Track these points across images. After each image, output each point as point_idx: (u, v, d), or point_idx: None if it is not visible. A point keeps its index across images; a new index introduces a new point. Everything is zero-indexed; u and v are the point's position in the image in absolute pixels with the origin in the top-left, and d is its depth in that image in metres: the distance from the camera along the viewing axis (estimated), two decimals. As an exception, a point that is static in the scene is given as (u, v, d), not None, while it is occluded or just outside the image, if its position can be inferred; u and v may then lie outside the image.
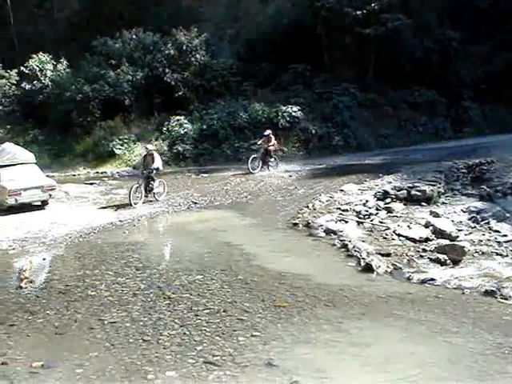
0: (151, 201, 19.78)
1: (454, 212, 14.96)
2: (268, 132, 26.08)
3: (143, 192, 19.23)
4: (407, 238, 13.04)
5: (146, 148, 20.66)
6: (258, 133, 30.92)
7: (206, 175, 26.53)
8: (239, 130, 31.65)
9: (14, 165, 19.64)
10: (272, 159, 26.07)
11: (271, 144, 25.76)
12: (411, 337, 8.05)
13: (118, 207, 19.13)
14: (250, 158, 25.49)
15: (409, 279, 10.55)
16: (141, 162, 20.34)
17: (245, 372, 7.12)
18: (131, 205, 18.59)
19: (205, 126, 31.95)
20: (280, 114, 31.61)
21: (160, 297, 10.06)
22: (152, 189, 19.72)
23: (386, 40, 33.75)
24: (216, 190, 21.91)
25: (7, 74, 37.46)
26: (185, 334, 8.33)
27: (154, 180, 19.82)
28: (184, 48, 34.99)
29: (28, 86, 36.39)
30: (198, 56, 35.16)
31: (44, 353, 7.95)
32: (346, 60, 35.86)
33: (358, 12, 33.33)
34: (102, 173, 29.65)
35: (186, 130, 31.85)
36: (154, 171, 19.62)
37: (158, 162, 19.61)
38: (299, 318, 8.83)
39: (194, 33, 35.39)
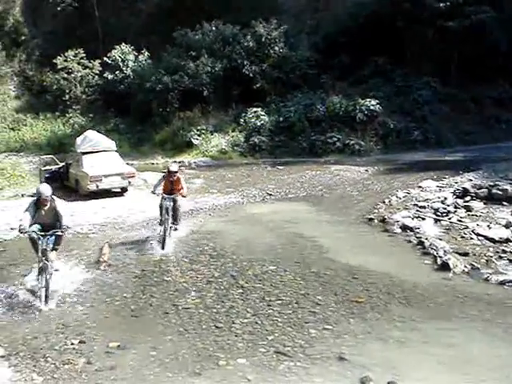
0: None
1: (538, 212, 14.38)
2: (175, 168, 13.72)
3: (47, 278, 9.50)
4: (486, 238, 12.62)
5: (39, 192, 9.91)
6: (335, 126, 30.73)
7: (281, 167, 26.56)
8: (316, 122, 31.46)
9: (96, 152, 20.25)
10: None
11: (181, 188, 13.59)
12: (487, 339, 7.81)
13: (195, 196, 19.42)
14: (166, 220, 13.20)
15: (487, 280, 10.22)
16: (30, 217, 9.86)
17: (316, 364, 7.12)
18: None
19: (281, 118, 31.96)
20: (358, 107, 31.19)
21: (233, 285, 10.17)
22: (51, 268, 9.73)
23: (470, 33, 32.67)
24: (291, 182, 21.90)
25: (91, 64, 38.61)
26: (257, 323, 8.40)
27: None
28: (263, 40, 35.06)
29: (110, 76, 37.43)
30: (276, 48, 35.15)
31: (120, 334, 8.21)
32: (427, 53, 34.96)
33: (441, 4, 32.43)
34: (179, 162, 30.15)
35: (262, 122, 31.95)
36: (62, 232, 9.97)
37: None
38: (372, 313, 8.73)
39: (274, 24, 35.39)
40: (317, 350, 7.50)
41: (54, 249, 10.06)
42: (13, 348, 7.79)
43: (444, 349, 7.51)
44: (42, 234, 9.69)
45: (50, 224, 10.01)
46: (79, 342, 7.93)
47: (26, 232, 9.66)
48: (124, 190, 20.00)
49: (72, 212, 17.00)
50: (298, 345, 7.65)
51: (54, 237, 9.88)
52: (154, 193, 13.50)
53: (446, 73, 34.62)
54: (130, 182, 19.88)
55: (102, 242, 13.55)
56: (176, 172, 13.45)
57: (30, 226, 9.85)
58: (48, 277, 9.44)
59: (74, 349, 7.75)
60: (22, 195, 19.69)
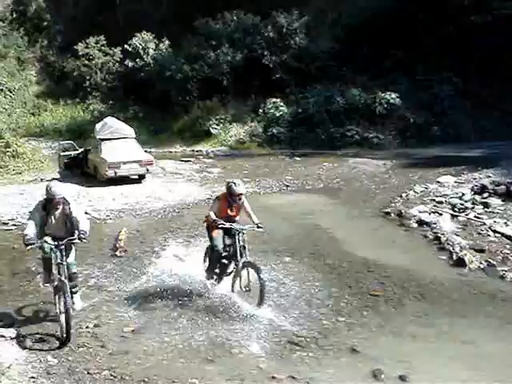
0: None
1: (556, 211, 14.24)
2: (242, 188, 9.39)
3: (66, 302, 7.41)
4: (503, 235, 12.51)
5: (50, 192, 7.86)
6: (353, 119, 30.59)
7: (299, 159, 26.53)
8: (335, 115, 31.31)
9: (115, 139, 20.36)
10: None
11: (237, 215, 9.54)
12: (502, 336, 7.78)
13: (212, 185, 19.49)
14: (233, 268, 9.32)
15: (502, 277, 10.16)
16: (37, 225, 7.91)
17: (328, 355, 7.15)
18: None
19: (300, 110, 31.85)
20: (378, 100, 30.99)
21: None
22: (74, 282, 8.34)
23: (493, 29, 32.23)
24: (308, 174, 21.87)
25: (111, 52, 38.77)
26: (270, 313, 8.41)
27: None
28: (284, 31, 34.93)
29: (131, 64, 37.55)
30: (297, 39, 35.01)
31: (135, 319, 8.30)
32: (448, 48, 34.58)
33: (464, -2, 32.08)
34: (197, 151, 30.29)
35: (281, 113, 31.90)
36: (80, 239, 7.90)
37: (84, 220, 8.19)
38: (386, 307, 8.74)
39: (295, 15, 35.25)
40: (329, 341, 7.53)
41: (72, 292, 8.08)
42: (28, 330, 7.90)
43: (458, 345, 7.50)
44: (55, 243, 7.78)
45: (64, 237, 7.91)
46: (94, 326, 8.04)
47: (32, 244, 7.64)
48: (142, 177, 20.12)
49: (90, 197, 17.25)
50: (310, 335, 7.67)
51: (66, 242, 7.84)
52: (215, 222, 8.83)
53: (467, 68, 34.22)
54: (148, 170, 19.98)
55: (119, 228, 13.66)
56: (242, 194, 9.18)
57: (40, 238, 7.84)
58: (67, 300, 7.38)
59: (88, 332, 7.86)
60: (41, 179, 19.94)
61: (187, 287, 9.47)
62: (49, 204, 7.90)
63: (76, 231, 7.85)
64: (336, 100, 31.50)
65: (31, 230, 7.72)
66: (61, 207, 7.96)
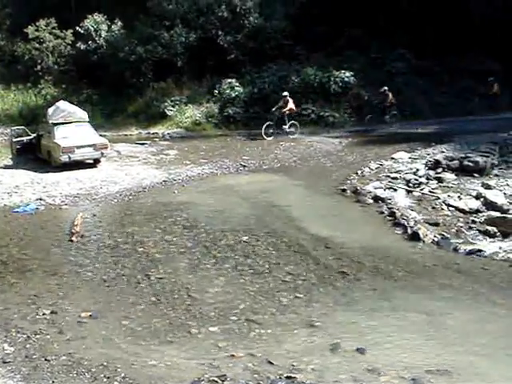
0: None
1: (507, 185, 14.55)
2: None
3: None
4: (457, 209, 12.78)
5: None
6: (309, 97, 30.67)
7: (255, 139, 26.49)
8: (291, 94, 31.33)
9: (68, 123, 19.98)
10: None
11: None
12: (455, 306, 7.97)
13: (168, 167, 19.36)
14: None
15: (456, 250, 10.39)
16: None
17: (286, 331, 7.22)
18: None
19: (256, 90, 31.72)
20: (332, 79, 31.10)
21: (206, 255, 10.23)
22: None
23: (445, 4, 32.56)
24: (265, 153, 21.87)
25: (63, 34, 37.87)
26: (229, 292, 8.48)
27: None
28: (237, 10, 34.64)
29: (83, 47, 36.72)
30: (251, 18, 34.75)
31: (92, 304, 8.25)
32: (401, 25, 34.84)
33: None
34: (153, 133, 29.92)
35: (237, 93, 31.72)
36: None
37: None
38: (343, 282, 8.85)
39: (249, -6, 34.96)
40: (287, 317, 7.60)
41: None
42: (-17, 319, 7.77)
43: (413, 317, 7.65)
44: None
45: None
46: (51, 313, 7.93)
47: None
48: (97, 161, 19.81)
49: (44, 184, 16.95)
50: (269, 313, 7.74)
51: None
52: None
53: (421, 44, 34.51)
54: (102, 154, 19.69)
55: (75, 213, 13.48)
56: None
57: None
58: None
59: (45, 319, 7.74)
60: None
61: (146, 270, 9.45)
62: None
63: None
64: (291, 79, 31.49)
65: None
66: None
